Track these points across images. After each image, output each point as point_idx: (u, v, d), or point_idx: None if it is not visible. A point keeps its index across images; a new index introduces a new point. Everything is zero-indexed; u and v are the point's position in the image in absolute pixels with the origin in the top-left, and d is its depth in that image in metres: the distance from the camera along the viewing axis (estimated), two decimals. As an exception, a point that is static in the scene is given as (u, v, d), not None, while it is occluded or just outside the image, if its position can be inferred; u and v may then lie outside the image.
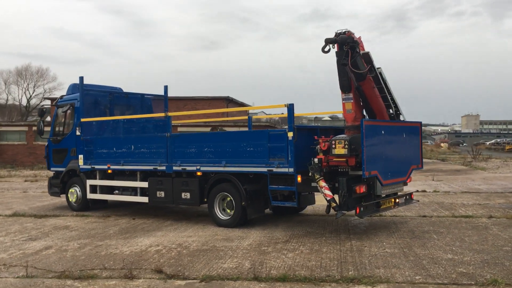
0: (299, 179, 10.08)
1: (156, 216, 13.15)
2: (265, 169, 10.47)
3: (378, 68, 10.42)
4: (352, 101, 10.47)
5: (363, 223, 11.48)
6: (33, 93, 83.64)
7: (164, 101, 15.87)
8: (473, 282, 6.80)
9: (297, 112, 10.87)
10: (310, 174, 9.87)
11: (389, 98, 10.65)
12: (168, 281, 7.22)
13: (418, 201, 12.38)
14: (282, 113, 14.65)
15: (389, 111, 10.84)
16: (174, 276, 7.41)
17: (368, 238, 9.78)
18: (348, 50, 9.96)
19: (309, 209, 13.23)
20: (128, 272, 7.55)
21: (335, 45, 10.12)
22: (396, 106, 10.86)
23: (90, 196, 13.86)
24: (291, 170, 10.09)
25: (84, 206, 14.14)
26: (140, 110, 15.25)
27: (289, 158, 10.09)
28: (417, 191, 17.54)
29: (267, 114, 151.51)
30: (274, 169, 10.33)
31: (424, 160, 37.49)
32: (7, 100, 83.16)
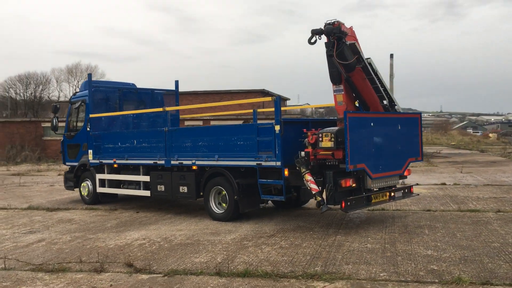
0: (286, 172, 9.96)
1: (160, 209, 13.31)
2: (254, 163, 10.41)
3: (367, 58, 10.15)
4: (342, 93, 10.24)
5: (360, 217, 11.26)
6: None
7: (175, 95, 15.99)
8: (436, 280, 6.54)
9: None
10: (297, 168, 9.74)
11: (381, 89, 10.36)
12: (133, 275, 7.29)
13: (418, 194, 12.01)
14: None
15: (383, 103, 10.54)
16: (142, 270, 7.47)
17: (356, 232, 9.57)
18: (334, 41, 9.73)
19: (312, 202, 13.04)
20: (99, 266, 7.66)
21: (322, 36, 9.91)
22: (390, 97, 10.55)
23: (99, 190, 14.18)
24: (279, 163, 9.98)
25: (95, 200, 14.48)
26: (151, 105, 15.42)
27: (277, 152, 9.98)
28: (436, 184, 17.07)
29: (309, 105, 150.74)
30: (263, 163, 10.25)
31: (462, 151, 36.49)
32: (58, 97, 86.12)
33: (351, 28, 10.33)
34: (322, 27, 9.89)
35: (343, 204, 9.27)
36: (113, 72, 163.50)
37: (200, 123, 33.53)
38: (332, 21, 10.03)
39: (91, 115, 14.14)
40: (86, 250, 8.87)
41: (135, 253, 8.57)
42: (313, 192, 9.52)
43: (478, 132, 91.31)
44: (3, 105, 74.69)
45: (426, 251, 8.00)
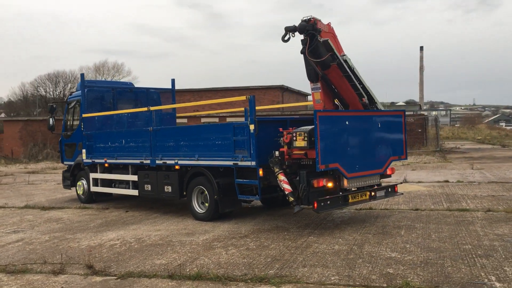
0: (260, 172, 9.84)
1: (150, 208, 13.35)
2: (231, 163, 10.32)
3: (343, 55, 9.94)
4: (320, 90, 10.07)
5: (342, 216, 11.06)
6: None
7: (172, 94, 16.01)
8: (385, 285, 6.36)
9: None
10: (271, 168, 9.62)
11: (359, 86, 10.13)
12: (88, 277, 7.30)
13: (402, 193, 11.72)
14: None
15: (363, 101, 10.31)
16: (99, 272, 7.48)
17: (330, 233, 9.40)
18: (307, 38, 9.56)
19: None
20: (60, 268, 7.70)
21: (295, 33, 9.75)
22: (369, 95, 10.32)
23: (93, 189, 14.31)
24: (253, 163, 9.87)
25: (90, 199, 14.62)
26: (146, 104, 15.44)
27: (252, 152, 9.87)
28: (438, 181, 16.69)
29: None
30: (239, 163, 10.16)
31: (484, 146, 35.69)
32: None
33: (328, 25, 10.14)
34: (296, 25, 9.73)
35: (315, 205, 9.11)
36: (141, 69, 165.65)
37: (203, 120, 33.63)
38: (308, 17, 9.87)
39: (83, 115, 14.27)
40: (57, 251, 8.93)
41: (102, 254, 8.59)
42: (286, 193, 9.39)
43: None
44: (33, 104, 76.31)
45: (390, 253, 7.79)
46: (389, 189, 10.74)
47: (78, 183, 14.95)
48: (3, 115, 79.55)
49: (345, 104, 10.36)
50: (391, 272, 6.86)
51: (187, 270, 7.33)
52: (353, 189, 9.98)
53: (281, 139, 9.79)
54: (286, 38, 9.78)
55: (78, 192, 14.98)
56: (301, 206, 9.32)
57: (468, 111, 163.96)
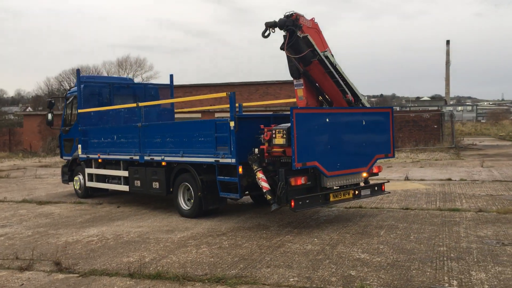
0: (240, 170, 9.72)
1: (143, 204, 13.35)
2: (213, 160, 10.23)
3: (324, 52, 9.72)
4: (302, 87, 9.89)
5: (329, 215, 10.89)
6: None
7: (170, 89, 15.97)
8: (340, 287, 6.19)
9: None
10: (250, 165, 9.50)
11: (342, 83, 9.92)
12: (52, 274, 7.29)
13: (390, 192, 11.45)
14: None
15: (347, 97, 10.10)
16: (64, 269, 7.47)
17: (309, 232, 9.24)
18: (287, 34, 9.39)
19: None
20: (28, 264, 7.72)
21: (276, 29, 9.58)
22: (354, 92, 10.10)
23: (88, 184, 14.39)
24: (233, 160, 9.75)
25: (86, 194, 14.71)
26: (143, 99, 15.44)
27: (232, 149, 9.76)
28: (441, 179, 16.34)
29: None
30: (220, 160, 10.06)
31: (503, 143, 34.96)
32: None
33: (312, 20, 9.95)
34: (276, 20, 9.57)
35: (292, 203, 8.95)
36: (164, 64, 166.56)
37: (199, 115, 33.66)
38: (290, 12, 9.70)
39: (79, 110, 14.34)
40: (34, 247, 8.94)
41: (75, 251, 8.60)
42: (264, 191, 9.26)
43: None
44: (58, 98, 77.42)
45: (361, 255, 7.61)
46: (375, 188, 10.51)
47: (75, 178, 15.06)
48: (29, 109, 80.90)
49: (329, 101, 10.15)
50: (353, 274, 6.69)
51: (151, 268, 7.27)
52: (335, 187, 9.80)
53: (262, 136, 9.65)
54: (266, 33, 9.63)
55: (75, 187, 15.10)
56: (279, 205, 9.17)
57: (496, 107, 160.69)
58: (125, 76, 17.90)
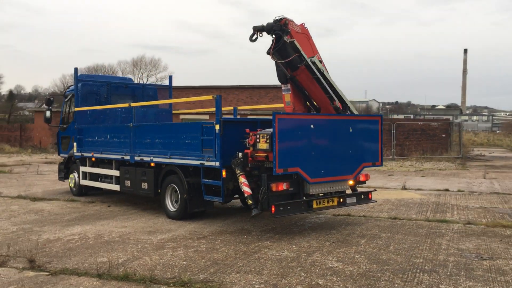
0: (224, 173, 9.69)
1: (134, 204, 13.38)
2: (198, 162, 10.21)
3: (311, 57, 9.66)
4: (290, 92, 9.85)
5: (314, 222, 10.81)
6: (146, 81, 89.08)
7: (169, 90, 16.01)
8: (304, 297, 6.12)
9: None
10: (234, 169, 9.46)
11: (329, 90, 9.84)
12: (24, 271, 7.30)
13: (376, 201, 11.33)
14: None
15: (334, 104, 10.02)
16: (36, 267, 7.47)
17: (289, 239, 9.18)
18: (274, 39, 9.36)
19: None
20: (2, 260, 7.75)
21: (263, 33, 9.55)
22: (341, 99, 10.02)
23: (82, 182, 14.46)
24: (218, 164, 9.72)
25: (81, 192, 14.78)
26: (141, 99, 15.51)
27: (216, 152, 9.73)
28: (438, 190, 16.16)
29: (378, 102, 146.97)
30: (205, 163, 10.03)
31: (512, 154, 34.20)
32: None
33: (302, 25, 9.90)
34: (264, 24, 9.53)
35: (273, 209, 8.89)
36: (180, 65, 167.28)
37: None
38: (279, 17, 9.66)
39: (75, 109, 14.43)
40: (14, 243, 8.99)
41: (53, 249, 8.61)
42: (246, 195, 9.22)
43: None
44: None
45: (334, 264, 7.53)
46: (362, 196, 10.41)
47: (70, 176, 15.15)
48: (44, 106, 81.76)
49: (317, 108, 10.08)
50: (320, 283, 6.62)
51: (121, 270, 7.25)
52: (319, 194, 9.72)
53: (247, 140, 9.62)
54: (253, 38, 9.60)
55: (70, 185, 15.18)
56: (259, 210, 9.11)
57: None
58: (125, 76, 17.96)
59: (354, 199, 10.25)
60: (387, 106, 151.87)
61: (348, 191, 10.40)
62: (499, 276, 6.95)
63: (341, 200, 9.96)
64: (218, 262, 7.64)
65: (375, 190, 11.36)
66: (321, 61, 9.90)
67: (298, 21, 9.86)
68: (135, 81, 79.71)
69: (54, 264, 7.63)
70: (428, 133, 32.85)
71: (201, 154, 10.14)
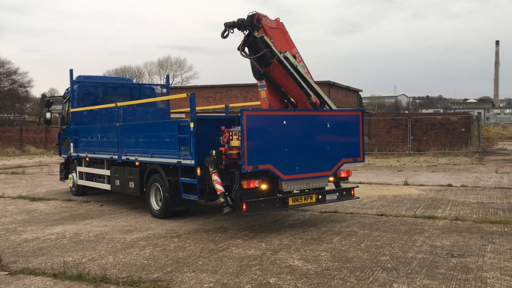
0: (198, 171, 9.64)
1: (127, 203, 13.45)
2: (175, 161, 10.18)
3: (284, 52, 9.50)
4: (265, 88, 9.72)
5: (298, 219, 10.67)
6: (172, 82, 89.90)
7: (166, 90, 16.06)
8: (247, 296, 6.01)
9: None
10: (207, 167, 9.41)
11: (304, 85, 9.67)
12: (-14, 271, 7.41)
13: (358, 198, 11.08)
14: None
15: (310, 99, 9.85)
16: (1, 266, 7.57)
17: (262, 237, 9.07)
18: (244, 34, 9.24)
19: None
20: (-29, 260, 7.88)
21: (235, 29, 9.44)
22: (317, 94, 9.84)
23: (79, 182, 14.62)
24: (193, 162, 9.68)
25: (79, 191, 14.95)
26: (138, 99, 15.58)
27: (191, 150, 9.69)
28: (441, 185, 15.77)
29: (408, 97, 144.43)
30: (182, 161, 10.00)
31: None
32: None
33: (276, 20, 9.77)
34: (235, 20, 9.43)
35: (244, 206, 8.80)
36: (207, 65, 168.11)
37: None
38: (252, 13, 9.54)
39: (71, 110, 14.60)
40: (-8, 243, 9.14)
41: (25, 248, 8.71)
42: (218, 193, 9.14)
43: None
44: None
45: (296, 262, 7.39)
46: (344, 192, 10.23)
47: (69, 176, 15.34)
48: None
49: (294, 104, 9.93)
50: (271, 282, 6.50)
51: (80, 269, 7.26)
52: (294, 191, 9.58)
53: (221, 138, 9.54)
54: (225, 34, 9.50)
55: (69, 185, 15.39)
56: (230, 208, 9.02)
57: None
58: (125, 77, 18.11)
59: (335, 196, 10.07)
60: (417, 100, 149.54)
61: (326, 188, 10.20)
62: (461, 274, 6.70)
63: (320, 197, 9.79)
64: (179, 261, 7.59)
65: (357, 186, 11.14)
66: (296, 57, 9.75)
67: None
68: (161, 81, 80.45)
69: (18, 264, 7.70)
70: (447, 127, 32.09)
71: (178, 153, 10.12)
